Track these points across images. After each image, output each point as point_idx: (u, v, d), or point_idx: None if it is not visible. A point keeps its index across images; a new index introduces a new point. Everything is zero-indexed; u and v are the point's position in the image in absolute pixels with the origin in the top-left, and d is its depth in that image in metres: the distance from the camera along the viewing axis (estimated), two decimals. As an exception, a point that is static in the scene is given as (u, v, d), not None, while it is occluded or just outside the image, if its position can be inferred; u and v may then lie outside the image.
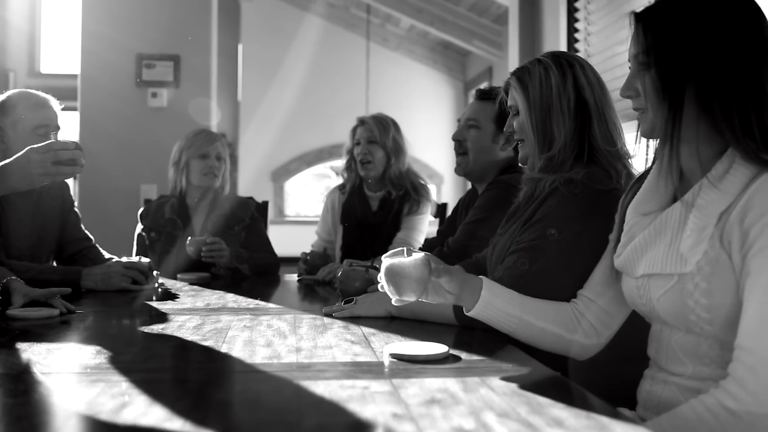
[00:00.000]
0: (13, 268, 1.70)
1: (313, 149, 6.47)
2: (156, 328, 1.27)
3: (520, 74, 1.42)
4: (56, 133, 1.40)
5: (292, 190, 6.85)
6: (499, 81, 5.58)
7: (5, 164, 1.36)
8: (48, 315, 1.36)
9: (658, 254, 1.01)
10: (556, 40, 2.83)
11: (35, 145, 1.36)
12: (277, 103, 6.11)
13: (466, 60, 6.52)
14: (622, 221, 1.14)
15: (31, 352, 1.06)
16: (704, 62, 0.97)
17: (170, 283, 2.00)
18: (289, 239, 3.80)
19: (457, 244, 1.88)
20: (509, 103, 1.46)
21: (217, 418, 0.73)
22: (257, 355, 1.03)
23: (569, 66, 1.38)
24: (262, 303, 1.60)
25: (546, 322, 1.20)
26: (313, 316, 1.39)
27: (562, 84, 1.36)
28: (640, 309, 1.09)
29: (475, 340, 1.20)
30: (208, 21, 3.10)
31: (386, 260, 1.16)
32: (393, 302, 1.18)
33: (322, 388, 0.86)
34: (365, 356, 1.04)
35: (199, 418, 0.72)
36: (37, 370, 0.93)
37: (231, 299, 1.65)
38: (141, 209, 2.46)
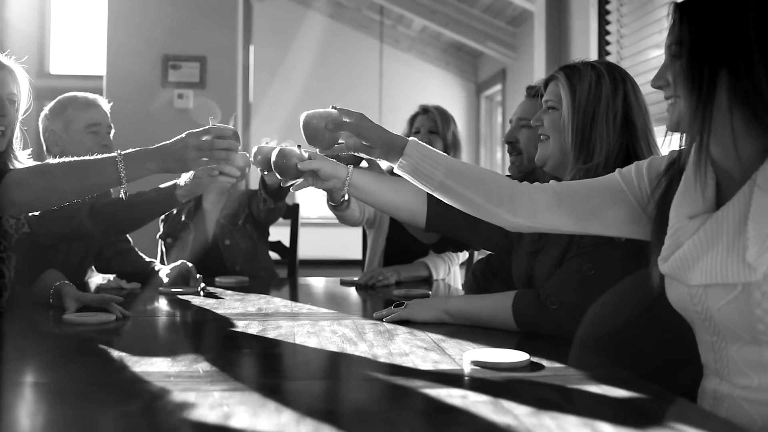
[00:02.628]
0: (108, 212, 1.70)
1: (324, 150, 6.44)
2: (221, 335, 1.26)
3: (569, 72, 1.38)
4: (214, 119, 1.36)
5: (303, 191, 6.81)
6: (512, 83, 5.57)
7: (163, 145, 1.36)
8: (106, 320, 1.35)
9: (716, 263, 0.97)
10: (585, 43, 2.82)
11: (194, 130, 1.36)
12: (288, 104, 6.08)
13: (478, 62, 6.51)
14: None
15: (105, 359, 1.05)
16: (739, 48, 0.94)
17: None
18: (305, 241, 3.78)
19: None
20: (546, 97, 1.42)
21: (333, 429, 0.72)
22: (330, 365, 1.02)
23: (622, 81, 1.35)
24: (314, 307, 1.58)
25: (468, 188, 1.20)
26: (373, 321, 1.37)
27: (612, 96, 1.33)
28: (691, 316, 1.06)
29: (545, 346, 1.18)
30: (234, 22, 3.08)
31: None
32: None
33: (420, 397, 0.85)
34: (445, 364, 1.03)
35: (315, 428, 0.71)
36: (122, 379, 0.92)
37: (281, 303, 1.63)
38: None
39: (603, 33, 2.78)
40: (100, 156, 1.35)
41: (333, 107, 1.30)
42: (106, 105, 1.97)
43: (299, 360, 1.08)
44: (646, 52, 2.52)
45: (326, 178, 1.36)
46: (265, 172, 1.83)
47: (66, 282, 1.53)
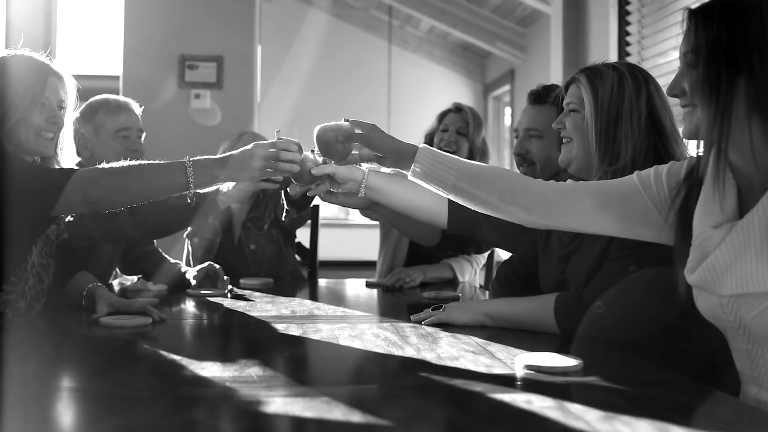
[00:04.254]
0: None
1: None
2: (263, 338, 1.25)
3: (591, 74, 1.37)
4: (279, 132, 1.39)
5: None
6: (521, 84, 5.56)
7: (230, 154, 1.38)
8: (143, 323, 1.33)
9: (746, 272, 0.95)
10: (604, 45, 2.81)
11: (261, 141, 1.38)
12: (294, 105, 6.07)
13: (485, 62, 6.51)
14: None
15: (153, 363, 1.04)
16: (757, 55, 0.93)
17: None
18: (321, 241, 3.77)
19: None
20: (568, 99, 1.41)
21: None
22: (385, 369, 1.01)
23: (645, 81, 1.34)
24: (348, 310, 1.58)
25: (480, 188, 1.22)
26: (412, 324, 1.36)
27: (635, 97, 1.32)
28: (724, 325, 1.05)
29: (589, 349, 1.18)
30: (251, 22, 3.07)
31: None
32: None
33: (485, 402, 0.84)
34: (497, 368, 1.02)
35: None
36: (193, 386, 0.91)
37: (313, 306, 1.62)
38: None
39: (623, 34, 2.77)
40: (169, 161, 1.37)
41: (345, 120, 1.34)
42: (137, 109, 1.96)
43: (350, 363, 1.07)
44: (668, 53, 2.51)
45: (342, 181, 1.40)
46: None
47: (99, 284, 1.52)
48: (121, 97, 1.95)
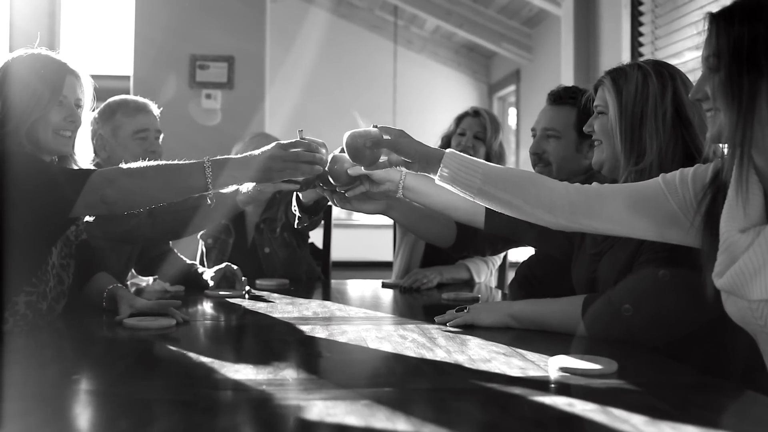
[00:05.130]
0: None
1: (337, 151, 6.43)
2: (290, 340, 1.24)
3: (615, 75, 1.37)
4: (302, 132, 1.38)
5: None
6: (527, 84, 5.56)
7: (249, 154, 1.36)
8: (167, 324, 1.32)
9: None
10: (616, 45, 2.81)
11: (282, 141, 1.36)
12: (299, 105, 6.07)
13: (490, 62, 6.51)
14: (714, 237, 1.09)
15: (185, 366, 1.03)
16: None
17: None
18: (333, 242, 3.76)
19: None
20: (596, 102, 1.42)
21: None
22: (419, 372, 1.00)
23: (671, 78, 1.33)
24: (370, 311, 1.57)
25: (506, 191, 1.22)
26: (437, 326, 1.36)
27: (660, 95, 1.32)
28: (754, 329, 1.04)
29: (621, 352, 1.16)
30: (262, 22, 3.06)
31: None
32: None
33: (527, 405, 0.83)
34: (532, 370, 1.01)
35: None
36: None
37: (334, 307, 1.61)
38: None
39: (636, 35, 2.77)
40: (188, 161, 1.35)
41: (374, 126, 1.34)
42: (155, 110, 1.95)
43: (383, 366, 1.06)
44: (682, 54, 2.51)
45: (380, 182, 1.39)
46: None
47: (119, 285, 1.51)
48: (139, 98, 1.94)
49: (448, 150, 1.27)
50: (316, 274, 2.35)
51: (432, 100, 6.42)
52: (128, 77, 3.06)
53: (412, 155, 1.29)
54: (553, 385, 0.94)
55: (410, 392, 0.91)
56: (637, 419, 0.77)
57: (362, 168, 1.39)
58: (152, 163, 1.37)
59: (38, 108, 1.40)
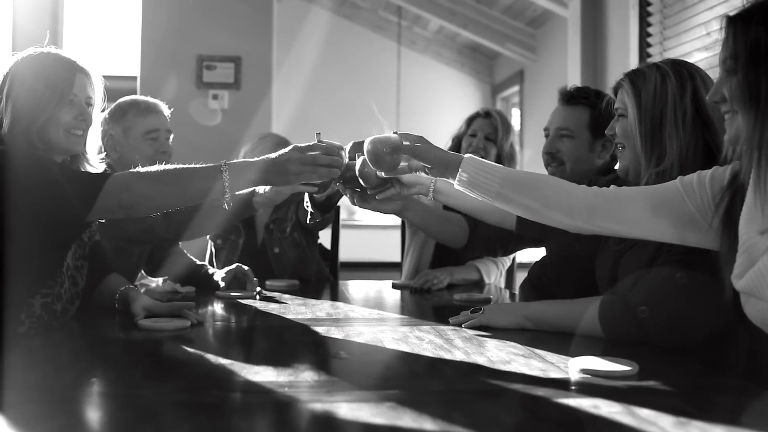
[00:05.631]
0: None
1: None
2: (306, 341, 1.24)
3: (634, 77, 1.37)
4: (320, 135, 1.40)
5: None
6: (531, 84, 5.56)
7: (266, 157, 1.36)
8: (182, 326, 1.32)
9: None
10: (624, 46, 2.80)
11: (300, 144, 1.36)
12: (302, 106, 6.07)
13: (494, 63, 6.51)
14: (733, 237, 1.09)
15: (205, 369, 1.03)
16: None
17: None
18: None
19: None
20: (616, 105, 1.42)
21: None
22: (440, 373, 1.00)
23: (690, 77, 1.33)
24: (384, 312, 1.57)
25: (524, 195, 1.23)
26: (452, 327, 1.35)
27: (679, 95, 1.31)
28: None
29: (638, 353, 1.16)
30: (269, 22, 3.06)
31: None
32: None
33: (552, 407, 0.83)
34: (552, 372, 1.01)
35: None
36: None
37: (347, 308, 1.61)
38: None
39: (644, 35, 2.76)
40: (204, 165, 1.35)
41: (394, 132, 1.37)
42: (166, 110, 1.94)
43: (403, 367, 1.06)
44: (692, 54, 2.50)
45: (411, 185, 1.41)
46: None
47: (131, 286, 1.51)
48: (150, 99, 1.94)
49: (466, 155, 1.28)
50: (325, 275, 2.34)
51: (435, 101, 6.42)
52: (134, 77, 3.06)
53: (431, 161, 1.30)
54: (575, 387, 0.93)
55: (434, 394, 0.90)
56: (665, 421, 0.77)
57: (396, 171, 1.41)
58: (169, 166, 1.36)
59: (48, 107, 1.39)
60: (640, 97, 1.34)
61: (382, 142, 1.35)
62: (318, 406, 0.81)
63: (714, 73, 1.27)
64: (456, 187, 1.28)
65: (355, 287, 2.12)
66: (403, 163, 1.37)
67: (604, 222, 1.20)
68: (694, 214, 1.15)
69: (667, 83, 1.32)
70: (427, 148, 1.32)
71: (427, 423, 0.76)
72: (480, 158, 1.28)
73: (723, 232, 1.10)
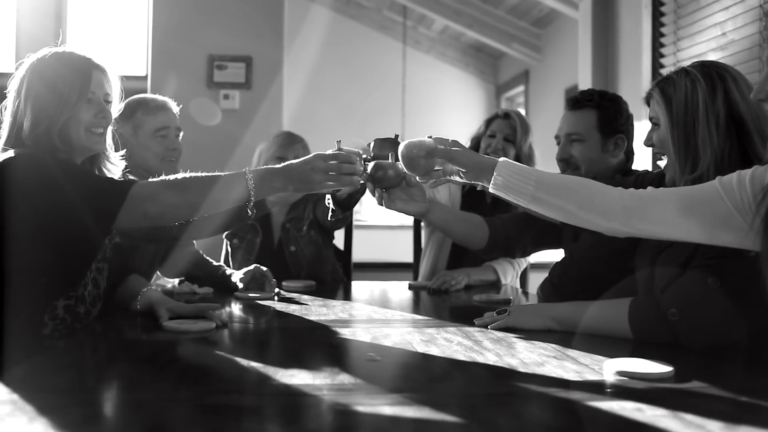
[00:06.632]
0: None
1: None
2: (335, 343, 1.23)
3: (664, 86, 1.36)
4: (340, 142, 1.40)
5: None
6: (536, 84, 5.56)
7: (290, 164, 1.35)
8: (207, 328, 1.31)
9: None
10: (637, 47, 2.80)
11: (322, 152, 1.36)
12: (308, 105, 6.06)
13: (498, 63, 6.50)
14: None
15: (239, 371, 1.02)
16: None
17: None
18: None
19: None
20: (650, 114, 1.42)
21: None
22: (476, 376, 0.99)
23: (720, 79, 1.31)
24: (406, 314, 1.56)
25: (559, 197, 1.22)
26: (479, 329, 1.35)
27: (710, 99, 1.30)
28: None
29: (669, 354, 1.16)
30: (280, 22, 3.05)
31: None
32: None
33: (597, 411, 0.82)
34: (588, 374, 1.00)
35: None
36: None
37: (369, 309, 1.61)
38: None
39: (657, 35, 2.76)
40: (229, 172, 1.34)
41: (429, 137, 1.37)
42: (175, 107, 1.94)
43: (437, 370, 1.05)
44: (706, 55, 2.49)
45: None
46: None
47: (153, 288, 1.50)
48: (158, 96, 1.93)
49: (501, 159, 1.28)
50: (339, 276, 2.34)
51: (440, 101, 6.42)
52: (144, 77, 3.05)
53: (465, 164, 1.30)
54: (612, 390, 0.93)
55: (474, 397, 0.90)
56: (713, 425, 0.76)
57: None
58: (193, 174, 1.35)
59: (68, 107, 1.38)
60: (671, 105, 1.33)
61: (416, 146, 1.35)
62: (362, 411, 0.80)
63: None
64: (490, 190, 1.27)
65: (371, 288, 2.12)
66: (437, 168, 1.37)
67: (641, 223, 1.19)
68: (732, 213, 1.14)
69: (698, 88, 1.30)
70: (462, 151, 1.31)
71: (474, 426, 0.76)
72: (514, 162, 1.27)
73: (764, 232, 1.09)
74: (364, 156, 1.70)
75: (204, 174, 1.35)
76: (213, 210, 1.38)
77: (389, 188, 1.52)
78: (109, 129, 1.49)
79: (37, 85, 1.39)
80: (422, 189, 1.55)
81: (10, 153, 1.31)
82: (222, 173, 1.34)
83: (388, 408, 0.81)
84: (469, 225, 1.79)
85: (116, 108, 1.49)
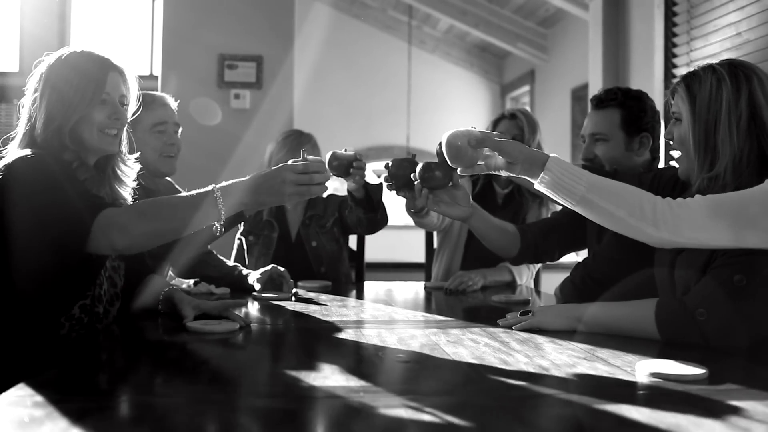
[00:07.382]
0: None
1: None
2: (364, 345, 1.22)
3: (689, 81, 1.35)
4: (306, 152, 1.37)
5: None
6: (542, 84, 5.55)
7: (258, 179, 1.32)
8: (232, 328, 1.31)
9: None
10: (649, 46, 2.79)
11: (290, 164, 1.32)
12: (313, 104, 6.06)
13: (503, 63, 6.50)
14: None
15: (267, 372, 1.01)
16: None
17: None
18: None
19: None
20: (673, 109, 1.41)
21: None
22: (510, 377, 0.99)
23: (746, 80, 1.30)
24: (429, 315, 1.55)
25: (610, 202, 1.21)
26: (504, 330, 1.34)
27: (734, 99, 1.29)
28: None
29: (698, 355, 1.15)
30: (291, 21, 3.04)
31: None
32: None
33: (634, 413, 0.82)
34: (620, 375, 0.99)
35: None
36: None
37: (390, 310, 1.60)
38: None
39: (669, 35, 2.75)
40: (196, 192, 1.31)
41: (473, 127, 1.34)
42: (173, 103, 1.93)
43: (471, 372, 1.04)
44: (720, 55, 2.49)
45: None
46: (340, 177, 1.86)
47: (175, 288, 1.49)
48: (156, 92, 1.92)
49: (552, 155, 1.25)
50: (350, 277, 2.35)
51: (446, 101, 6.41)
52: (155, 77, 3.04)
53: (515, 156, 1.27)
54: (648, 391, 0.92)
55: (512, 399, 0.89)
56: (760, 428, 0.76)
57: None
58: (163, 199, 1.34)
59: (81, 106, 1.37)
60: (695, 102, 1.32)
61: (464, 135, 1.32)
62: (405, 415, 0.80)
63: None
64: (536, 187, 1.26)
65: (386, 288, 2.11)
66: (480, 162, 1.34)
67: (691, 232, 1.18)
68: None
69: (723, 87, 1.30)
70: (513, 143, 1.28)
71: (516, 427, 0.75)
72: (565, 159, 1.26)
73: None
74: (359, 159, 1.71)
75: (172, 197, 1.34)
76: (184, 233, 1.34)
77: (436, 189, 1.50)
78: (124, 131, 1.48)
79: (53, 83, 1.38)
80: (467, 193, 1.53)
81: (11, 156, 1.31)
82: (189, 194, 1.31)
83: (430, 411, 0.80)
84: (505, 233, 1.78)
85: (132, 110, 1.48)
